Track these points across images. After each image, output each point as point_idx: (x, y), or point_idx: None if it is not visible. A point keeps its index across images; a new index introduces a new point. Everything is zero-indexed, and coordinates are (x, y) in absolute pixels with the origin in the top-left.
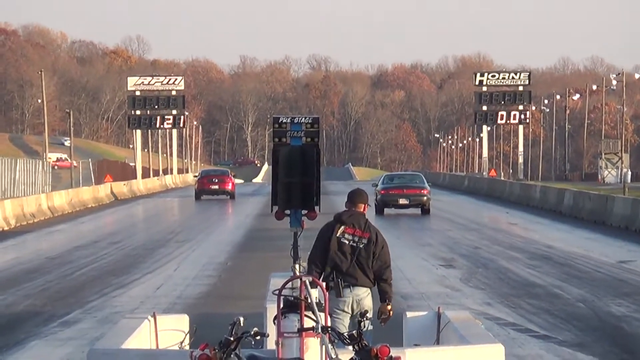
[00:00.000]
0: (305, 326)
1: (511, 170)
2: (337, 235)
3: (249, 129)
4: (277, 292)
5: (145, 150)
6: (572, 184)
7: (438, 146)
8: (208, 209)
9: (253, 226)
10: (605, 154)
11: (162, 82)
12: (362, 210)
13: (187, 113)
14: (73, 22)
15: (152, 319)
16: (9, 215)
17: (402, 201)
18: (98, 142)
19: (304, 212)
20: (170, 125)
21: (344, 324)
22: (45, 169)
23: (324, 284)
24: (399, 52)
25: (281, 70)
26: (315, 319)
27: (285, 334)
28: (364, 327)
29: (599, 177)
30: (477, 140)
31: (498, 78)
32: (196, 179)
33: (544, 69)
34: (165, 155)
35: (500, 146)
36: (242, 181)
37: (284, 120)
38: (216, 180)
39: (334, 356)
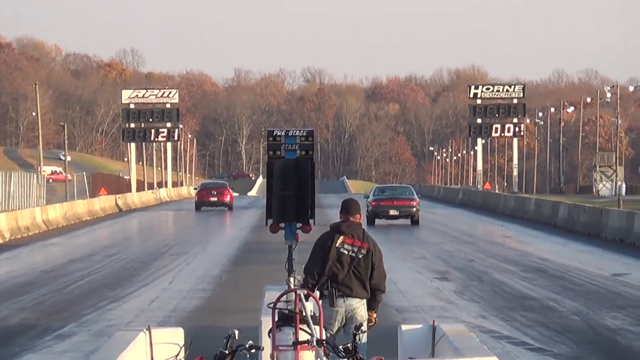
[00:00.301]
0: (300, 339)
1: (506, 183)
2: (337, 245)
3: (244, 142)
4: (272, 305)
5: (140, 163)
6: (566, 196)
7: (432, 159)
8: (203, 222)
9: (248, 239)
10: (599, 166)
11: (156, 95)
12: (358, 220)
13: (181, 126)
14: (67, 35)
15: (147, 332)
16: (3, 228)
17: (392, 212)
18: (92, 155)
19: (298, 225)
20: (164, 139)
21: (332, 333)
22: (40, 182)
23: (318, 295)
24: (394, 65)
25: (275, 83)
26: (310, 332)
27: (280, 347)
28: (359, 340)
29: (594, 190)
30: (472, 153)
31: (492, 91)
32: (196, 191)
33: (539, 82)
34: (159, 168)
35: (494, 159)
36: (237, 194)
37: (279, 133)
38: (215, 193)
39: None
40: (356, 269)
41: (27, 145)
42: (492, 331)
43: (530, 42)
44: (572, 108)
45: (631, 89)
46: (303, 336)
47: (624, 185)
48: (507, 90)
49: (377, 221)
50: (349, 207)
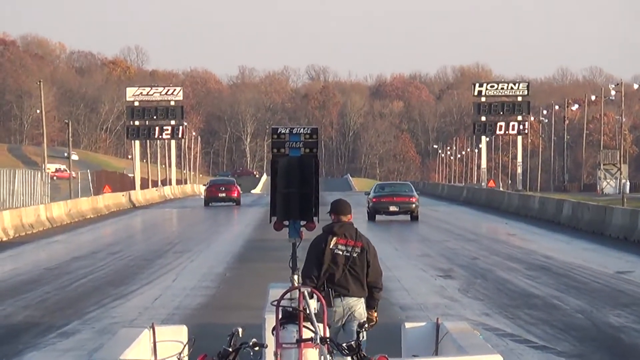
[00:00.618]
0: (303, 337)
1: (510, 181)
2: (331, 247)
3: (248, 139)
4: (275, 302)
5: (144, 161)
6: (570, 194)
7: (437, 157)
8: (207, 219)
9: (252, 236)
10: (604, 164)
11: (160, 92)
12: (349, 219)
13: (185, 124)
14: (72, 33)
15: (150, 330)
16: (7, 226)
17: (392, 208)
18: (97, 152)
19: (302, 222)
20: (168, 136)
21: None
22: (44, 180)
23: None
24: (398, 63)
25: (280, 80)
26: (313, 329)
27: (284, 345)
28: (362, 337)
29: (598, 188)
30: (476, 150)
31: (497, 88)
32: (205, 187)
33: (543, 79)
34: (163, 166)
35: (499, 157)
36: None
37: (283, 131)
38: (223, 189)
39: None
40: (352, 268)
41: (31, 143)
42: (496, 329)
43: (535, 40)
44: (576, 106)
45: (636, 86)
46: (307, 334)
47: (628, 183)
48: (512, 88)
49: (378, 217)
50: (339, 207)
